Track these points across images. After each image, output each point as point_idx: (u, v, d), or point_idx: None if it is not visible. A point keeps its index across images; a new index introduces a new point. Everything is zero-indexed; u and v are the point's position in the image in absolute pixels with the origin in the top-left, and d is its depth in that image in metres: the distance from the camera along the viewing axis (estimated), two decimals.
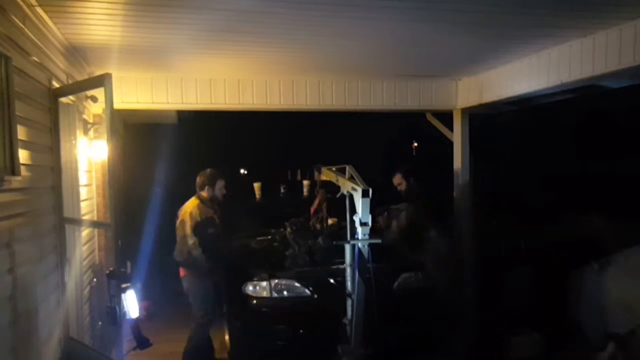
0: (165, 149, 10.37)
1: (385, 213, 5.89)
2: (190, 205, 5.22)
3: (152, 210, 8.28)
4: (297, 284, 4.99)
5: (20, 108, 2.93)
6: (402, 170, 6.02)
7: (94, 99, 4.79)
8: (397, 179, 6.00)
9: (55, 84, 3.83)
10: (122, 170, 5.63)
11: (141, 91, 5.55)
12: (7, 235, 2.84)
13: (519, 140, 12.54)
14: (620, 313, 4.61)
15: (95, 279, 5.05)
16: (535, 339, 5.17)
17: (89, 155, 5.10)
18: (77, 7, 3.37)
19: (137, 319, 3.56)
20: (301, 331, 4.87)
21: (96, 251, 5.44)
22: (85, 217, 4.82)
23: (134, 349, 3.70)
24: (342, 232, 4.78)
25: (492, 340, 5.20)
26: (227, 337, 5.52)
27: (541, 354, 5.12)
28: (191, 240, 5.05)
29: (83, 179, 4.77)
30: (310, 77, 5.92)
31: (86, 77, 4.84)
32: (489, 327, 5.39)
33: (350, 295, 4.22)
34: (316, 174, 5.22)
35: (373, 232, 5.65)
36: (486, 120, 7.16)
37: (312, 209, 5.55)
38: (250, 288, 5.02)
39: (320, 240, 5.22)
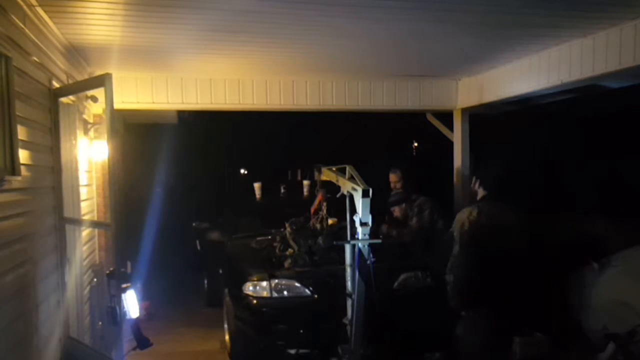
0: (165, 149, 10.39)
1: (404, 204, 5.75)
2: None
3: (152, 210, 8.30)
4: (297, 284, 4.98)
5: (20, 108, 2.93)
6: (400, 168, 6.00)
7: (94, 99, 4.79)
8: (394, 178, 5.96)
9: (56, 84, 3.83)
10: (122, 170, 5.63)
11: (141, 91, 5.55)
12: (7, 235, 2.84)
13: (518, 139, 12.54)
14: (620, 313, 4.61)
15: (95, 279, 5.05)
16: (535, 339, 5.17)
17: (89, 155, 5.10)
18: (77, 7, 3.37)
19: (137, 319, 3.56)
20: (301, 331, 4.87)
21: (96, 251, 5.44)
22: (86, 217, 4.82)
23: (134, 349, 3.70)
24: (342, 232, 4.78)
25: (493, 340, 5.19)
26: (227, 337, 5.52)
27: (541, 354, 5.11)
28: None
29: (83, 179, 4.77)
30: (310, 77, 5.92)
31: (86, 77, 4.84)
32: (490, 327, 5.37)
33: (350, 295, 4.22)
34: (316, 174, 5.22)
35: (390, 221, 5.56)
36: (486, 119, 7.15)
37: (312, 209, 5.54)
38: (250, 288, 5.01)
39: (320, 240, 5.22)
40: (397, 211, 5.81)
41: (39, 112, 3.51)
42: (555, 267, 5.58)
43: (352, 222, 4.11)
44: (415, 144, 19.28)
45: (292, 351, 4.90)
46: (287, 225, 5.70)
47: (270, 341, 4.89)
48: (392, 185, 6.01)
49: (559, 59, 4.69)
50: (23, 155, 2.96)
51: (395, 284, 5.15)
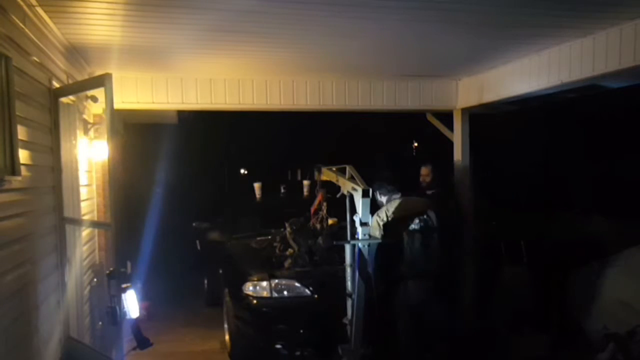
0: (165, 149, 10.38)
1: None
2: None
3: (152, 210, 8.30)
4: (297, 284, 4.99)
5: (20, 108, 2.94)
6: (431, 163, 5.97)
7: (94, 99, 4.79)
8: (425, 171, 5.91)
9: (56, 84, 3.83)
10: (122, 170, 5.63)
11: (141, 91, 5.55)
12: (7, 235, 2.84)
13: (518, 139, 12.54)
14: (620, 313, 4.61)
15: (95, 279, 5.06)
16: (535, 339, 5.17)
17: (89, 155, 5.10)
18: (77, 7, 3.37)
19: (137, 319, 3.56)
20: (301, 331, 4.88)
21: (96, 251, 5.44)
22: (86, 217, 4.82)
23: (134, 349, 3.70)
24: (342, 232, 4.78)
25: (494, 340, 5.21)
26: (227, 337, 5.53)
27: (541, 354, 5.12)
28: None
29: (83, 179, 4.77)
30: (310, 77, 5.92)
31: (86, 77, 4.84)
32: (490, 326, 5.39)
33: (350, 295, 4.22)
34: (316, 174, 5.22)
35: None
36: (486, 119, 7.16)
37: (312, 209, 5.55)
38: (250, 288, 5.02)
39: (320, 240, 5.22)
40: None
41: (39, 112, 3.51)
42: (556, 266, 5.59)
43: (352, 222, 4.11)
44: (415, 144, 19.29)
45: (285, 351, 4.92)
46: (287, 225, 5.71)
47: (270, 341, 4.89)
48: (421, 178, 5.96)
49: (559, 59, 4.69)
50: (23, 155, 2.96)
51: None
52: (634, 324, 4.43)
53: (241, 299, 5.06)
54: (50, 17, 3.55)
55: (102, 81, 3.46)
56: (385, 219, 4.78)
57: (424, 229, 5.02)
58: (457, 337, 5.04)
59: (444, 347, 4.93)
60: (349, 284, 4.28)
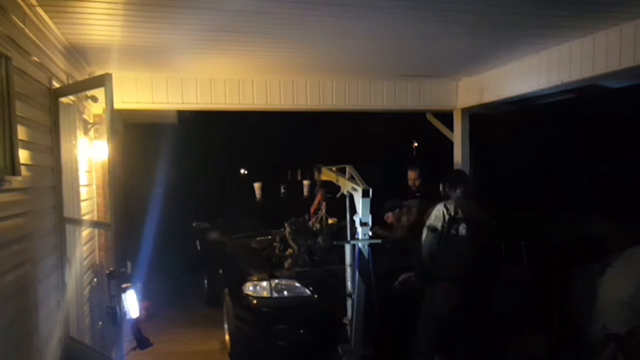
0: (165, 149, 10.39)
1: (397, 209, 5.89)
2: None
3: (152, 210, 8.30)
4: (297, 284, 4.98)
5: (20, 108, 2.94)
6: (418, 167, 6.09)
7: (94, 99, 4.79)
8: (413, 175, 6.04)
9: (56, 84, 3.83)
10: (122, 170, 5.63)
11: (141, 91, 5.55)
12: (7, 235, 2.84)
13: (518, 139, 12.54)
14: (620, 313, 4.61)
15: (95, 279, 5.06)
16: (535, 339, 5.17)
17: (89, 155, 5.10)
18: (77, 7, 3.37)
19: (137, 319, 3.56)
20: (301, 331, 4.87)
21: (96, 251, 5.44)
22: (86, 217, 4.82)
23: (134, 349, 3.70)
24: (342, 232, 4.78)
25: (493, 340, 5.20)
26: (227, 337, 5.53)
27: (541, 354, 5.12)
28: None
29: (83, 179, 4.77)
30: (310, 77, 5.92)
31: (86, 77, 4.84)
32: (490, 326, 5.37)
33: (350, 295, 4.22)
34: (316, 174, 5.22)
35: (383, 228, 5.69)
36: (486, 119, 7.17)
37: (312, 209, 5.55)
38: (250, 288, 5.01)
39: (320, 240, 5.22)
40: (390, 218, 5.89)
41: (39, 112, 3.51)
42: (556, 266, 5.59)
43: (352, 222, 4.11)
44: (415, 144, 19.31)
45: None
46: (286, 225, 5.71)
47: (270, 341, 4.89)
48: (410, 182, 6.08)
49: (559, 59, 4.69)
50: (23, 155, 2.96)
51: (396, 283, 5.16)
52: (634, 324, 4.43)
53: (241, 299, 5.06)
54: (50, 17, 3.55)
55: (102, 81, 3.46)
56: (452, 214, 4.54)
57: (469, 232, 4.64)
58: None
59: (452, 348, 4.92)
60: (349, 284, 4.28)
